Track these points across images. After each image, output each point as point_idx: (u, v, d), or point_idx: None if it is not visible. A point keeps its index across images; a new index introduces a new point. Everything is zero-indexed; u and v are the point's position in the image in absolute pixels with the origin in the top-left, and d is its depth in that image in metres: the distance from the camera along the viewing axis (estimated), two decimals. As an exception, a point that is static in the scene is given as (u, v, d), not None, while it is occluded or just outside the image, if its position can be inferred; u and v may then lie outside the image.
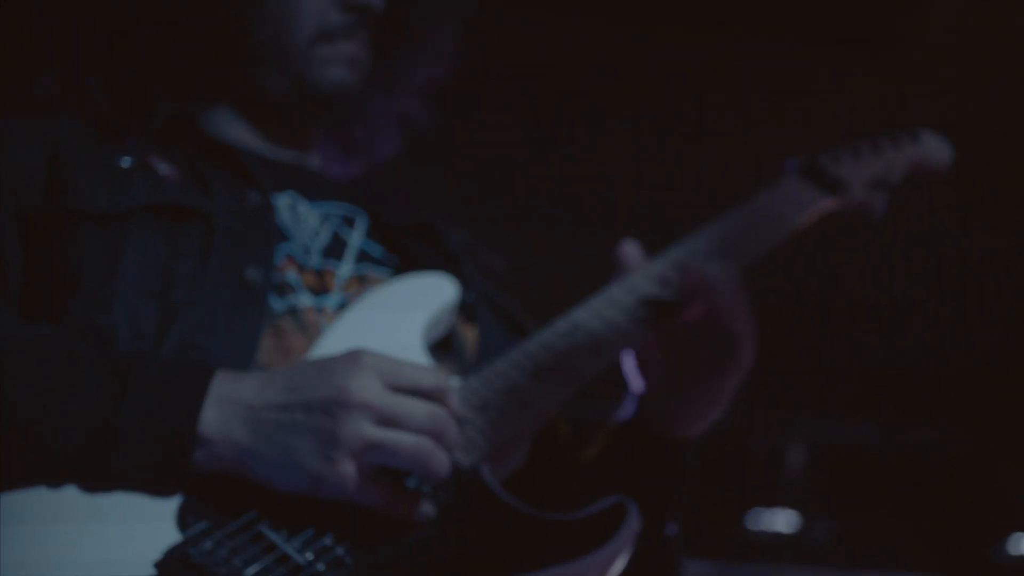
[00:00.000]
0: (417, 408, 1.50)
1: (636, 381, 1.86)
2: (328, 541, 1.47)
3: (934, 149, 2.16)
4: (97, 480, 1.45)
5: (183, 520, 1.45)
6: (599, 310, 1.77)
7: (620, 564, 1.55)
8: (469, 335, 1.91)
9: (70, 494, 1.45)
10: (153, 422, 1.47)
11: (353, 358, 1.52)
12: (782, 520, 5.92)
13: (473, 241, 2.09)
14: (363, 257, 1.92)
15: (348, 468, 1.46)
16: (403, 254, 1.96)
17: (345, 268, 1.88)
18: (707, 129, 3.99)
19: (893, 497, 5.84)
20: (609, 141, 4.03)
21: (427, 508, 1.52)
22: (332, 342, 1.70)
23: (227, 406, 1.49)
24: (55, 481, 1.44)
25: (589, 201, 4.09)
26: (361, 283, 1.87)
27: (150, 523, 1.44)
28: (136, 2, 1.97)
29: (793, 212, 1.98)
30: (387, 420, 1.48)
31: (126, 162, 1.81)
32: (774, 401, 5.60)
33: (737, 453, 5.86)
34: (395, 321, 1.76)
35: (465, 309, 1.89)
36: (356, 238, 1.94)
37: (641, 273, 1.81)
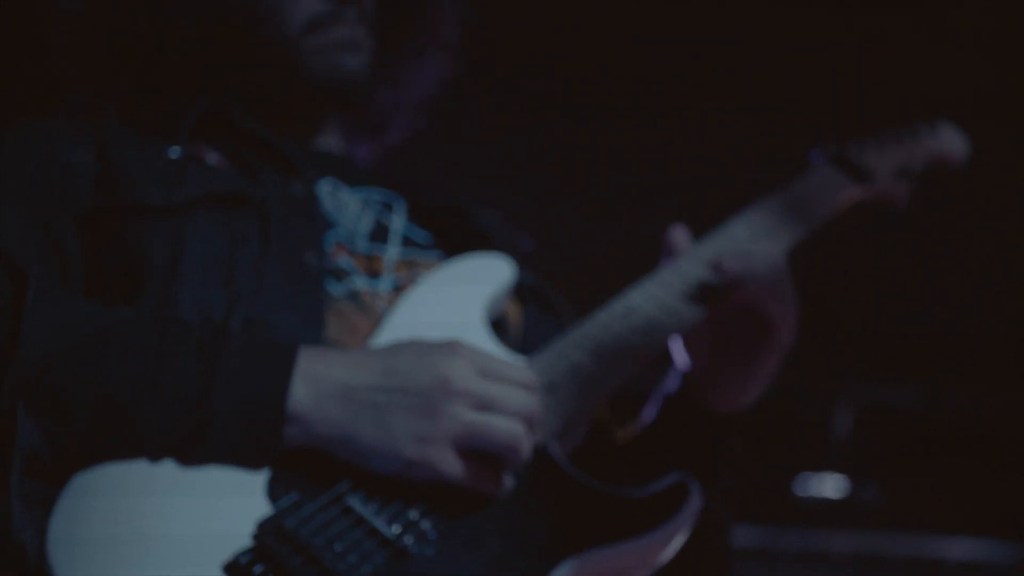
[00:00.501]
0: (512, 395, 1.56)
1: (681, 358, 1.93)
2: (414, 515, 1.52)
3: (951, 142, 2.22)
4: (190, 458, 1.49)
5: (273, 493, 1.50)
6: (653, 293, 1.84)
7: (680, 540, 1.64)
8: (512, 314, 1.96)
9: (162, 470, 1.49)
10: (244, 400, 1.51)
11: (451, 348, 1.58)
12: (830, 485, 5.94)
13: (505, 222, 2.14)
14: (407, 242, 1.97)
15: (443, 452, 1.52)
16: (443, 237, 2.01)
17: (392, 252, 1.92)
18: (743, 106, 3.99)
19: (942, 460, 5.84)
20: (643, 121, 4.03)
21: (508, 485, 1.59)
22: (398, 323, 1.76)
23: (319, 383, 1.53)
24: (144, 455, 1.48)
25: (623, 184, 4.10)
26: (410, 267, 1.92)
27: (241, 497, 1.49)
28: (136, 12, 2.00)
29: (825, 200, 2.05)
30: (484, 406, 1.55)
31: (175, 152, 1.84)
32: (821, 365, 5.62)
33: (784, 418, 5.88)
34: (458, 302, 1.81)
35: (520, 290, 1.95)
36: (397, 223, 1.98)
37: (689, 257, 1.88)
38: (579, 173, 4.12)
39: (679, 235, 1.91)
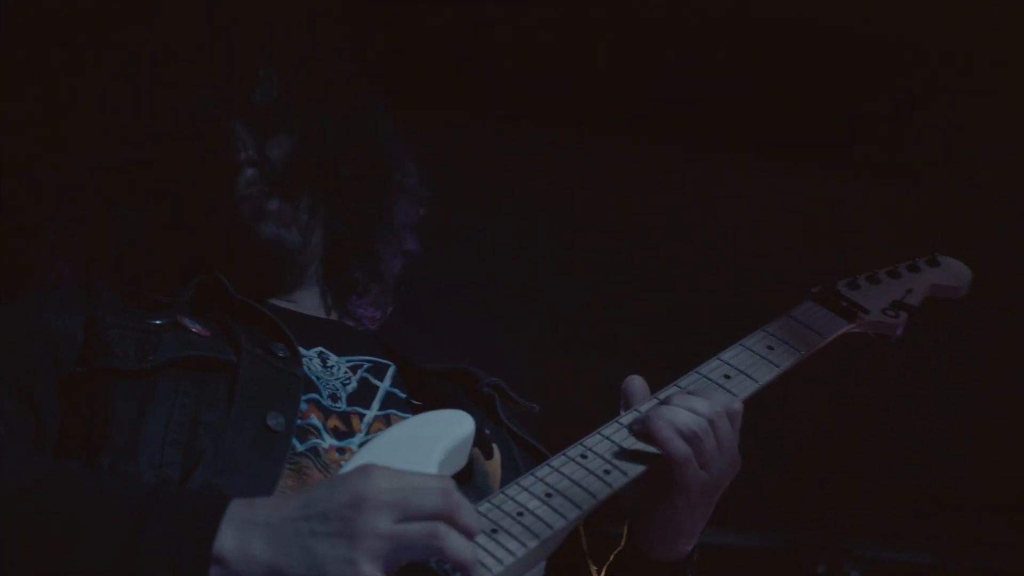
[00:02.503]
0: (427, 494, 1.53)
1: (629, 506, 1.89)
2: None
3: (953, 273, 2.22)
4: None
5: None
6: (610, 437, 1.80)
7: None
8: (494, 469, 1.94)
9: None
10: (172, 542, 1.51)
11: (364, 469, 1.56)
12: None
13: (506, 385, 2.16)
14: (389, 401, 1.99)
15: (370, 568, 1.48)
16: (430, 398, 2.01)
17: (371, 412, 1.95)
18: (740, 260, 4.06)
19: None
20: (639, 274, 4.08)
21: None
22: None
23: (244, 526, 1.52)
24: None
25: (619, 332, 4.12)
26: (387, 424, 1.93)
27: None
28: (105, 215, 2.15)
29: (809, 337, 2.01)
30: (401, 515, 1.51)
31: (158, 322, 1.92)
32: (833, 524, 5.58)
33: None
34: (410, 456, 1.77)
35: (482, 443, 1.91)
36: (384, 384, 2.02)
37: (646, 405, 1.84)
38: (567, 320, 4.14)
39: (635, 385, 1.88)
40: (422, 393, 2.04)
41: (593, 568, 1.98)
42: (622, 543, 1.93)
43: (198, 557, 1.50)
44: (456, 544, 1.51)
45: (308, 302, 2.18)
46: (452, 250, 2.49)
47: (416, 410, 2.00)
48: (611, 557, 1.95)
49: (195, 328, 1.94)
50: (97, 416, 1.80)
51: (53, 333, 1.90)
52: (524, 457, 2.05)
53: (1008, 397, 4.79)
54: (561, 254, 4.03)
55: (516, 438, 2.09)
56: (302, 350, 1.97)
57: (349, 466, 1.73)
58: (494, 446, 1.96)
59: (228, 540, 1.51)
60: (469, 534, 1.54)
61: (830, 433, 4.95)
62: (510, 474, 1.94)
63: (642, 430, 1.79)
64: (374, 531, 1.50)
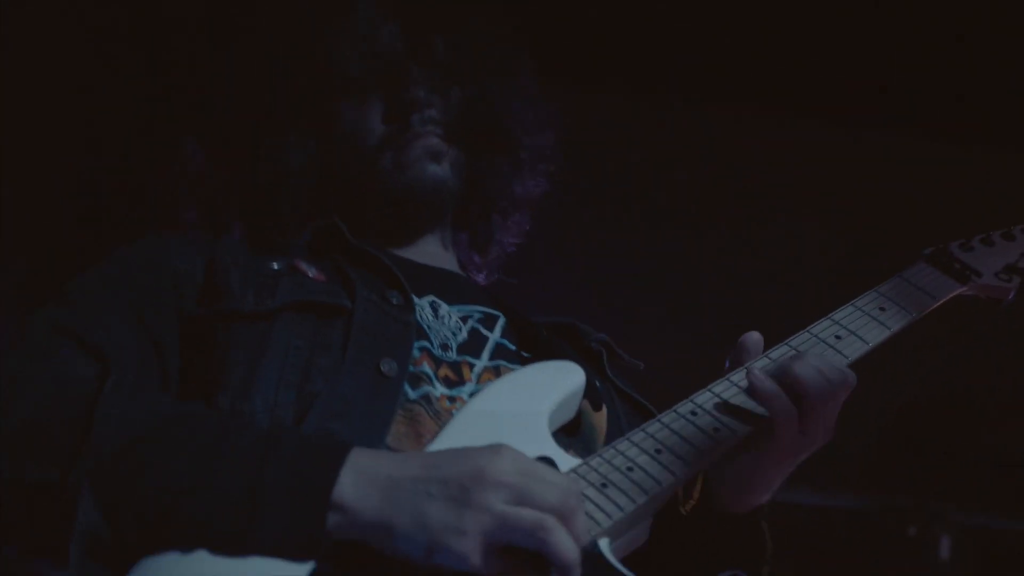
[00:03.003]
0: (547, 490, 1.52)
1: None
2: None
3: None
4: (243, 544, 1.51)
5: None
6: (720, 395, 1.79)
7: None
8: (601, 423, 1.94)
9: (205, 559, 1.51)
10: (293, 485, 1.53)
11: (494, 448, 1.56)
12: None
13: (613, 342, 2.18)
14: (499, 352, 2.00)
15: (473, 541, 1.48)
16: (539, 350, 2.02)
17: (481, 362, 1.96)
18: (845, 222, 4.03)
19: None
20: (740, 235, 4.04)
21: None
22: (461, 423, 1.74)
23: (365, 476, 1.54)
24: (200, 543, 1.51)
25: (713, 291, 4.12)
26: (496, 375, 1.94)
27: None
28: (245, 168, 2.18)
29: (921, 299, 2.00)
30: (518, 500, 1.51)
31: (275, 265, 1.95)
32: (926, 488, 5.54)
33: (889, 540, 5.81)
34: (522, 405, 1.78)
35: (592, 395, 1.92)
36: (494, 335, 2.03)
37: (760, 360, 1.83)
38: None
39: (750, 340, 1.87)
40: (531, 345, 2.05)
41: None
42: (695, 495, 1.91)
43: (318, 503, 1.52)
44: (561, 540, 1.50)
45: (426, 249, 2.20)
46: (566, 213, 2.51)
47: (525, 362, 2.01)
48: (685, 509, 1.93)
49: (311, 273, 1.96)
50: (216, 357, 1.83)
51: (176, 275, 1.94)
52: (628, 414, 2.05)
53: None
54: (676, 223, 4.03)
55: (621, 394, 2.10)
56: (414, 298, 1.98)
57: (460, 415, 1.75)
58: (603, 399, 1.96)
59: (347, 488, 1.53)
60: (578, 536, 1.53)
61: (927, 396, 4.90)
62: (614, 430, 1.94)
63: (757, 389, 1.76)
64: (487, 506, 1.50)
